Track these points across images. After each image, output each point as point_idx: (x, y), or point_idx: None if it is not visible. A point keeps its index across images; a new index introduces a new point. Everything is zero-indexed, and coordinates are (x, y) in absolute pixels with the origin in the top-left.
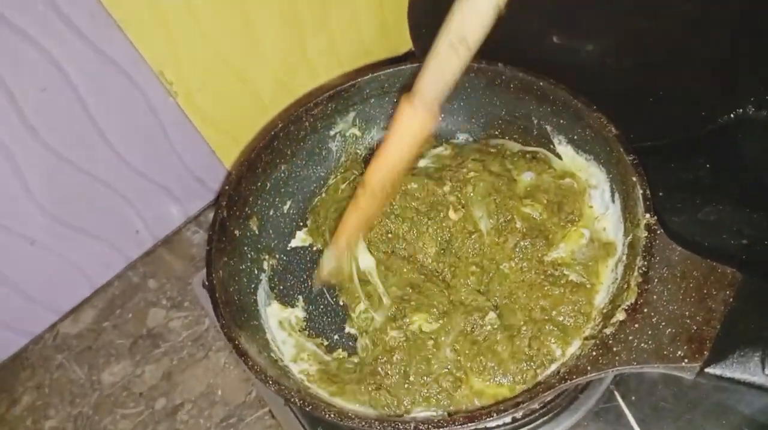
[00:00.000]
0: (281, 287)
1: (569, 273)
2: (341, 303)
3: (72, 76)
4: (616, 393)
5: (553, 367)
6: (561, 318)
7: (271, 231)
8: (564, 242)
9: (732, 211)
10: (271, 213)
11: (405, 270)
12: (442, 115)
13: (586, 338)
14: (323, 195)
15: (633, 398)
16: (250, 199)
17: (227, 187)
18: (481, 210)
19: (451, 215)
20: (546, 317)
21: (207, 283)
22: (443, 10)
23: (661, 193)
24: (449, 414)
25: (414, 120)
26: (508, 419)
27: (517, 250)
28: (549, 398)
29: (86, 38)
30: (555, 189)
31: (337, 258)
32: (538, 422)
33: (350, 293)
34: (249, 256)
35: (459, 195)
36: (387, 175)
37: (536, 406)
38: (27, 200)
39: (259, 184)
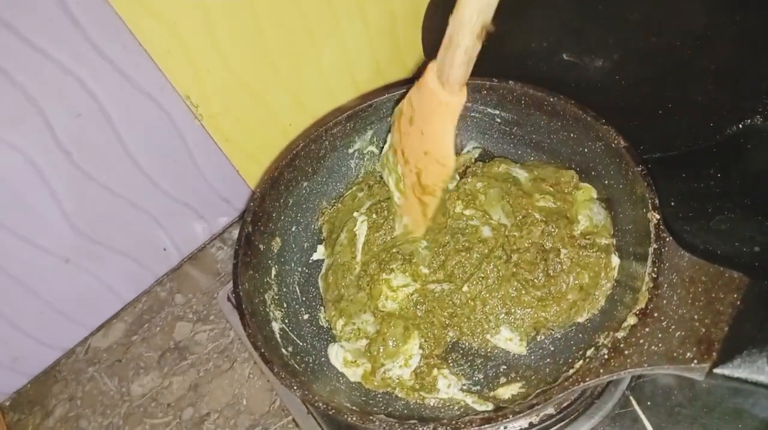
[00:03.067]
0: (303, 298)
1: (598, 239)
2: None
3: (104, 102)
4: (631, 398)
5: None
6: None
7: (293, 245)
8: (580, 213)
9: (743, 219)
10: (293, 229)
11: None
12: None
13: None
14: (339, 205)
15: (649, 403)
16: (274, 215)
17: (252, 204)
18: (498, 213)
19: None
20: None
21: (234, 294)
22: None
23: (672, 203)
24: (466, 415)
25: (439, 93)
26: (525, 424)
27: (546, 235)
28: (565, 404)
29: (118, 67)
30: (552, 173)
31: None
32: (555, 428)
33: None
34: (273, 269)
35: (474, 209)
36: (421, 147)
37: (552, 411)
38: (62, 221)
39: (282, 200)
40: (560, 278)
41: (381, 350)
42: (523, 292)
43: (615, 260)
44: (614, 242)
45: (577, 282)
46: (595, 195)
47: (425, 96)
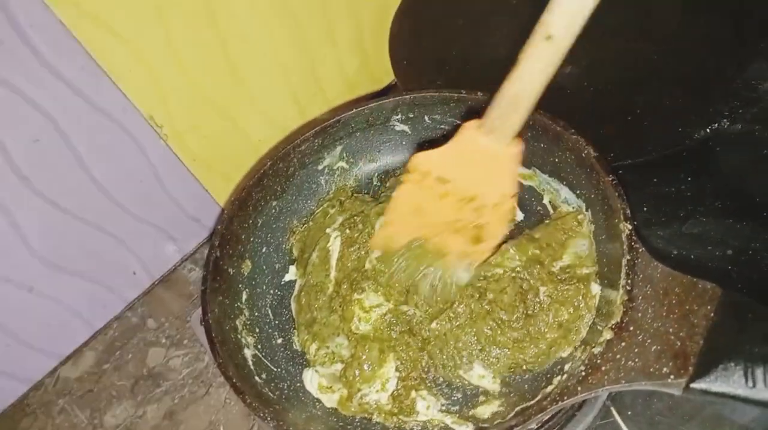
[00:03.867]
0: (276, 322)
1: (579, 270)
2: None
3: (63, 125)
4: (612, 409)
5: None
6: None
7: (264, 267)
8: (566, 250)
9: (715, 222)
10: (264, 250)
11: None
12: (426, 145)
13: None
14: (310, 223)
15: (629, 413)
16: (243, 236)
17: (219, 227)
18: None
19: None
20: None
21: (203, 322)
22: (422, 41)
23: (645, 209)
24: None
25: (478, 143)
26: None
27: (525, 279)
28: (546, 418)
29: (77, 89)
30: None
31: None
32: None
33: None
34: (244, 293)
35: None
36: (439, 173)
37: (534, 425)
38: (24, 249)
39: (251, 221)
40: (539, 317)
41: (357, 374)
42: (499, 332)
43: (595, 289)
44: (596, 270)
45: (556, 320)
46: (590, 230)
47: (472, 151)
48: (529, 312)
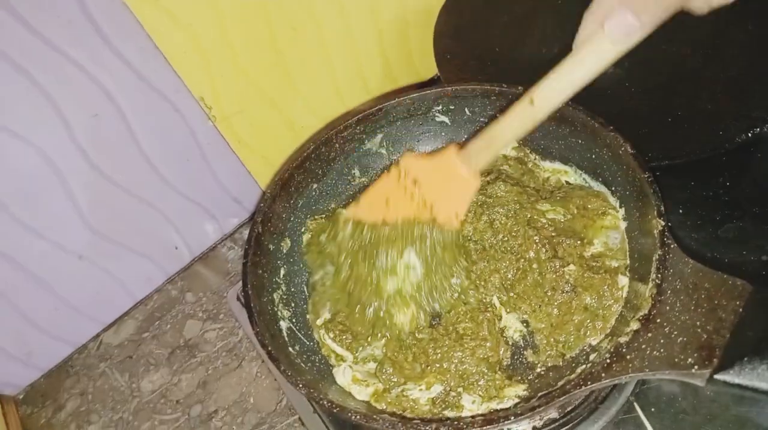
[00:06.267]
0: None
1: (608, 262)
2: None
3: (121, 103)
4: (636, 404)
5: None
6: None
7: (302, 242)
8: (596, 238)
9: (751, 227)
10: (302, 229)
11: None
12: (466, 136)
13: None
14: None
15: (653, 409)
16: (284, 216)
17: (262, 205)
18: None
19: None
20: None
21: (243, 293)
22: (466, 37)
23: (680, 211)
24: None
25: (456, 166)
26: (528, 428)
27: (555, 245)
28: (569, 408)
29: (134, 68)
30: (579, 195)
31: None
32: None
33: None
34: (282, 269)
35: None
36: (418, 175)
37: (556, 415)
38: (76, 218)
39: (292, 202)
40: (563, 294)
41: (396, 378)
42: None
43: (623, 281)
44: (627, 263)
45: (582, 303)
46: (621, 225)
47: (447, 167)
48: (554, 286)
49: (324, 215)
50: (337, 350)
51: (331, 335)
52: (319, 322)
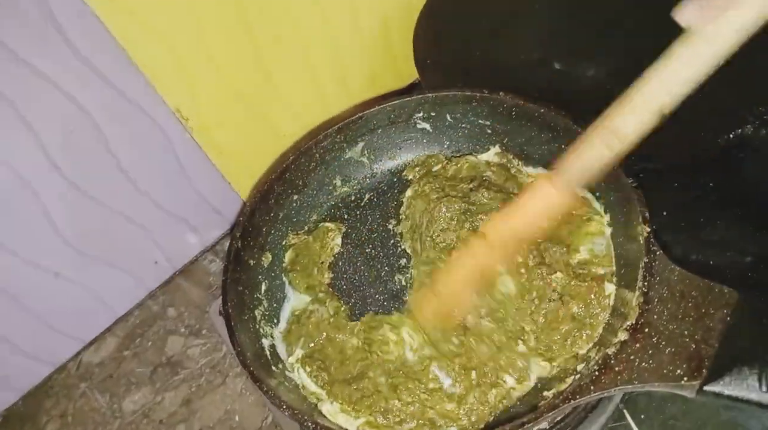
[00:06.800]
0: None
1: (594, 269)
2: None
3: (95, 116)
4: (625, 412)
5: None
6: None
7: (284, 259)
8: (581, 245)
9: (736, 229)
10: (284, 242)
11: None
12: (448, 143)
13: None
14: (309, 238)
15: (642, 416)
16: (264, 229)
17: (241, 219)
18: None
19: None
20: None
21: (223, 311)
22: (446, 42)
23: (665, 214)
24: None
25: (554, 197)
26: None
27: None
28: (558, 418)
29: (109, 81)
30: None
31: (443, 304)
32: None
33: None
34: (263, 284)
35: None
36: (511, 236)
37: (545, 425)
38: (52, 234)
39: (272, 214)
40: (551, 302)
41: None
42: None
43: (609, 288)
44: (613, 270)
45: (569, 312)
46: (607, 231)
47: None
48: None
49: (306, 228)
50: (310, 387)
51: (308, 370)
52: (291, 359)
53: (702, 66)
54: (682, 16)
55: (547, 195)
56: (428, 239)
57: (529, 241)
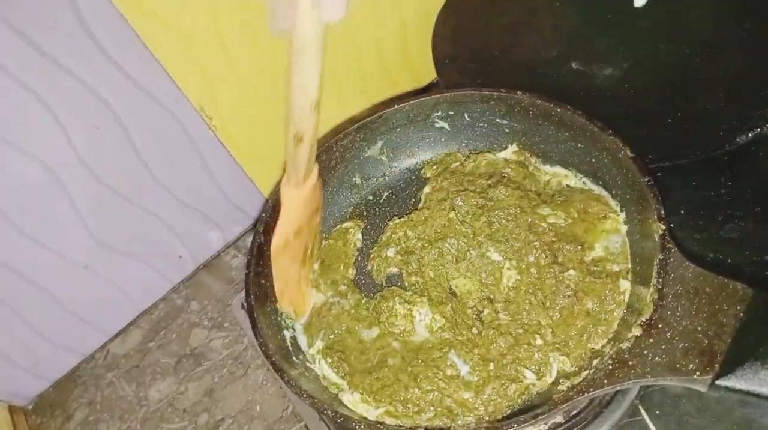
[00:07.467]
0: None
1: (609, 266)
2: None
3: (120, 113)
4: (640, 408)
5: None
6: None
7: None
8: (597, 242)
9: (753, 228)
10: None
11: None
12: (466, 141)
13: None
14: (330, 241)
15: (657, 412)
16: None
17: (264, 214)
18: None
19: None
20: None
21: (245, 304)
22: (464, 40)
23: (682, 212)
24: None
25: (297, 194)
26: None
27: (555, 250)
28: (573, 412)
29: (133, 79)
30: (580, 198)
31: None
32: None
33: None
34: None
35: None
36: (295, 238)
37: (561, 420)
38: (80, 228)
39: None
40: (566, 298)
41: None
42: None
43: (624, 285)
44: (629, 267)
45: (583, 308)
46: (622, 228)
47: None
48: (554, 291)
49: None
50: (331, 377)
51: (329, 361)
52: (312, 350)
53: (317, 61)
54: (275, 27)
55: (291, 197)
56: None
57: (541, 241)
